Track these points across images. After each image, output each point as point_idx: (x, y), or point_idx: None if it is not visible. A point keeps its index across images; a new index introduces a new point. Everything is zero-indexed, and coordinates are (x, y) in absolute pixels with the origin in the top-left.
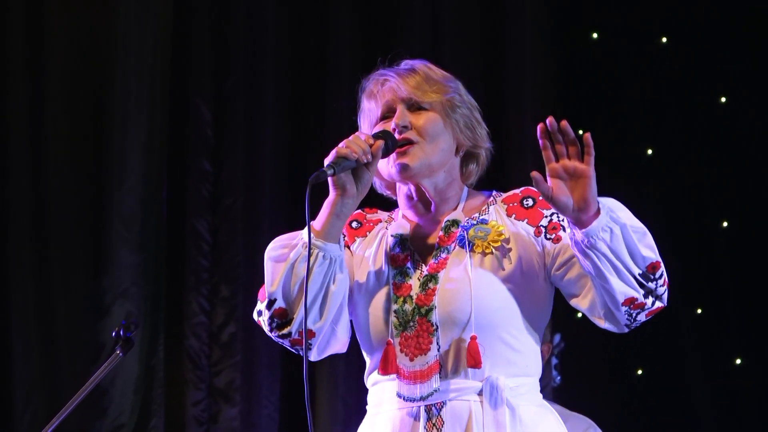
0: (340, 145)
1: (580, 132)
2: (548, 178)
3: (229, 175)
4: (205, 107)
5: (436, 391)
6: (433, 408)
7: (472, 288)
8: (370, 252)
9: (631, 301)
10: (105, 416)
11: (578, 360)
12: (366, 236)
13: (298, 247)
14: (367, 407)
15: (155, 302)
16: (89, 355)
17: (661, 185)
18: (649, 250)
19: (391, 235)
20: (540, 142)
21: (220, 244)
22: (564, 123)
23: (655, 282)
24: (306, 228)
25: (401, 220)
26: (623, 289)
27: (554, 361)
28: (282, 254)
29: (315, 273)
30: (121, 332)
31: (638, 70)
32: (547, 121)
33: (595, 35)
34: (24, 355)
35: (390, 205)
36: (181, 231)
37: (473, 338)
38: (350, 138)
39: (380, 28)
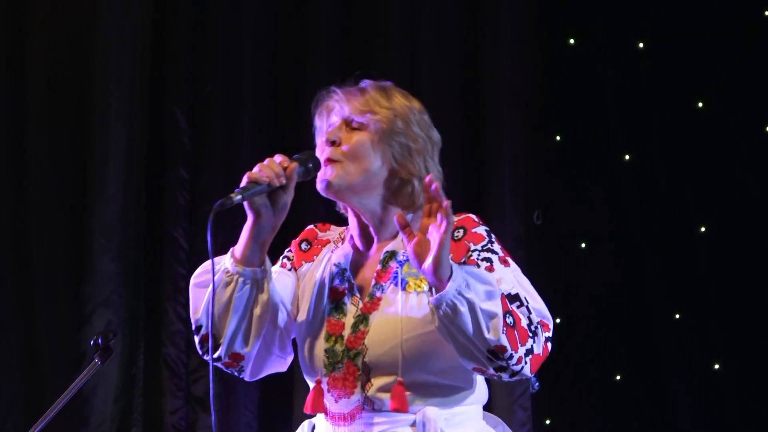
0: (254, 169)
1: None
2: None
3: (206, 182)
4: (181, 115)
5: None
6: None
7: (402, 333)
8: (315, 279)
9: (480, 371)
10: (87, 425)
11: (556, 365)
12: (313, 260)
13: (220, 273)
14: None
15: (135, 311)
16: (70, 365)
17: (639, 190)
18: (494, 333)
19: (334, 264)
20: (424, 195)
21: (198, 252)
22: (435, 186)
23: (505, 362)
24: (228, 254)
25: (347, 245)
26: (469, 360)
27: None
28: (204, 281)
29: (236, 299)
30: (100, 340)
31: (616, 75)
32: (426, 179)
33: (572, 41)
34: (4, 365)
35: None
36: (159, 239)
37: (399, 383)
38: (265, 161)
39: (359, 38)
